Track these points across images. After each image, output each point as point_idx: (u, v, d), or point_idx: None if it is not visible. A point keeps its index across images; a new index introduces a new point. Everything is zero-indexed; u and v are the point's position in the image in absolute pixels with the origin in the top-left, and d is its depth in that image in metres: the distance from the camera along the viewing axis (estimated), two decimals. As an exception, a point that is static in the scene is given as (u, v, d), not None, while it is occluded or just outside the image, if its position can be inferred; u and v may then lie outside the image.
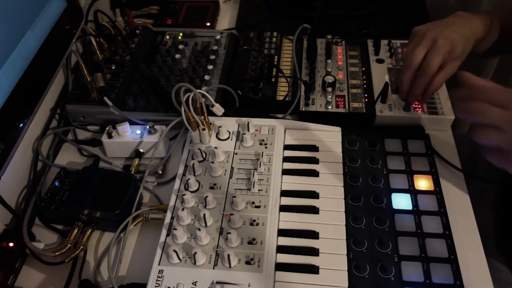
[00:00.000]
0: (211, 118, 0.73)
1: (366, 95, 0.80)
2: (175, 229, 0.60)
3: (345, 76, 0.84)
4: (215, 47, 0.89)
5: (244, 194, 0.65)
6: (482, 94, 0.52)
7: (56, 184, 0.69)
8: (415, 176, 0.68)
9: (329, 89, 0.79)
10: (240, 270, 0.57)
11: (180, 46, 0.89)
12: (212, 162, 0.67)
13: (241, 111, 0.78)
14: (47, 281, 0.64)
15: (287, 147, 0.72)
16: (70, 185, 0.69)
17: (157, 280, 0.56)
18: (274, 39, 0.93)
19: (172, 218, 0.63)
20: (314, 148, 0.71)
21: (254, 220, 0.62)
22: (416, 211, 0.64)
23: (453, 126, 0.78)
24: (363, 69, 0.85)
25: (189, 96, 0.67)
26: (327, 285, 0.56)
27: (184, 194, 0.63)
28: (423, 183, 0.67)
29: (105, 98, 0.77)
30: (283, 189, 0.67)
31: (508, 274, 0.77)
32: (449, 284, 0.56)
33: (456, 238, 0.61)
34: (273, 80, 0.85)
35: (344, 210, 0.64)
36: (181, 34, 0.94)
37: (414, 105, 0.77)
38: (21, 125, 0.69)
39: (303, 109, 0.79)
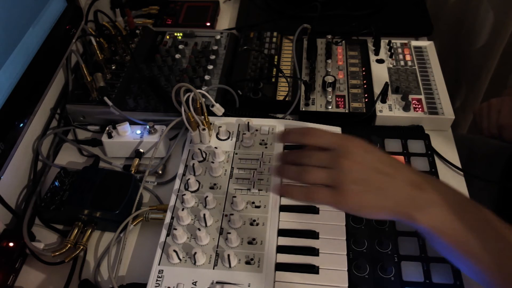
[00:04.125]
0: (211, 118, 0.73)
1: (366, 95, 0.80)
2: (175, 229, 0.60)
3: (345, 76, 0.84)
4: (215, 47, 0.89)
5: (244, 194, 0.65)
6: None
7: (56, 184, 0.69)
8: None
9: (329, 89, 0.79)
10: (240, 270, 0.57)
11: (180, 46, 0.89)
12: (212, 162, 0.67)
13: (241, 111, 0.78)
14: (47, 281, 0.64)
15: (287, 147, 0.72)
16: (70, 185, 0.69)
17: (157, 280, 0.56)
18: (274, 39, 0.93)
19: (172, 218, 0.63)
20: (314, 148, 0.71)
21: (254, 220, 0.62)
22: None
23: (453, 126, 0.78)
24: (363, 69, 0.85)
25: (189, 96, 0.67)
26: (327, 285, 0.56)
27: (184, 194, 0.63)
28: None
29: (105, 98, 0.77)
30: (283, 189, 0.67)
31: None
32: (449, 284, 0.56)
33: (456, 238, 0.61)
34: (273, 80, 0.85)
35: (344, 210, 0.64)
36: (181, 34, 0.94)
37: (414, 105, 0.77)
38: (21, 125, 0.69)
39: (303, 109, 0.79)
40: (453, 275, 0.57)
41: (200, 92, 0.68)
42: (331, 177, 0.50)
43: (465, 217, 0.49)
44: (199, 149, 0.69)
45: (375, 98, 0.78)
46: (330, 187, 0.49)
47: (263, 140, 0.71)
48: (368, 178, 0.50)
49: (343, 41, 0.91)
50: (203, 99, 0.69)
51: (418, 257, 0.59)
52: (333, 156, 0.51)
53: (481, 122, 0.79)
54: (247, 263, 0.57)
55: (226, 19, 1.06)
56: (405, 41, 0.90)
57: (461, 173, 0.72)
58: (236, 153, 0.70)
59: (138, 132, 0.75)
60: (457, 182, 0.71)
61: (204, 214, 0.60)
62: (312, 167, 0.51)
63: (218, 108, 0.73)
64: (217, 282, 0.56)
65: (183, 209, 0.62)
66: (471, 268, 0.49)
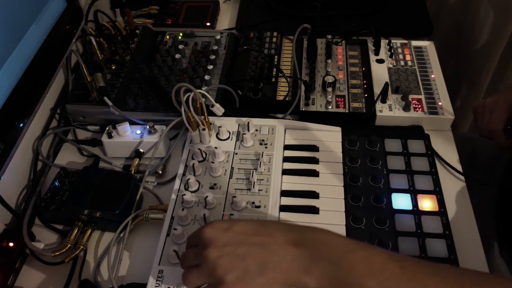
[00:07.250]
0: (211, 118, 0.73)
1: (366, 95, 0.80)
2: (175, 229, 0.60)
3: (345, 76, 0.84)
4: (215, 47, 0.89)
5: (244, 194, 0.65)
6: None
7: (56, 184, 0.69)
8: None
9: (329, 89, 0.79)
10: (240, 270, 0.57)
11: (180, 46, 0.89)
12: (212, 162, 0.67)
13: (241, 111, 0.78)
14: (47, 281, 0.64)
15: (287, 147, 0.72)
16: (70, 185, 0.69)
17: (157, 280, 0.56)
18: (274, 39, 0.93)
19: (172, 218, 0.63)
20: (314, 148, 0.71)
21: (254, 220, 0.62)
22: (416, 211, 0.64)
23: (453, 126, 0.78)
24: (363, 69, 0.85)
25: (189, 96, 0.67)
26: (327, 285, 0.56)
27: (184, 194, 0.63)
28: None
29: (105, 98, 0.77)
30: (283, 189, 0.67)
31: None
32: (449, 284, 0.56)
33: (456, 238, 0.61)
34: (273, 80, 0.85)
35: (344, 210, 0.64)
36: (181, 34, 0.94)
37: (414, 105, 0.77)
38: (21, 125, 0.69)
39: (303, 109, 0.79)
40: (453, 275, 0.57)
41: (200, 92, 0.68)
42: (207, 276, 0.47)
43: (353, 263, 0.45)
44: (199, 149, 0.69)
45: (375, 98, 0.78)
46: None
47: (263, 140, 0.71)
48: (243, 257, 0.46)
49: (343, 41, 0.91)
50: (203, 99, 0.69)
51: (418, 257, 0.59)
52: (197, 251, 0.48)
53: (476, 122, 0.79)
54: (247, 263, 0.57)
55: (226, 19, 1.06)
56: (405, 41, 0.90)
57: (461, 175, 0.72)
58: (236, 153, 0.70)
59: (138, 132, 0.75)
60: (457, 182, 0.71)
61: (204, 214, 0.60)
62: (188, 270, 0.48)
63: (218, 108, 0.73)
64: (217, 282, 0.55)
65: (183, 209, 0.62)
66: None
